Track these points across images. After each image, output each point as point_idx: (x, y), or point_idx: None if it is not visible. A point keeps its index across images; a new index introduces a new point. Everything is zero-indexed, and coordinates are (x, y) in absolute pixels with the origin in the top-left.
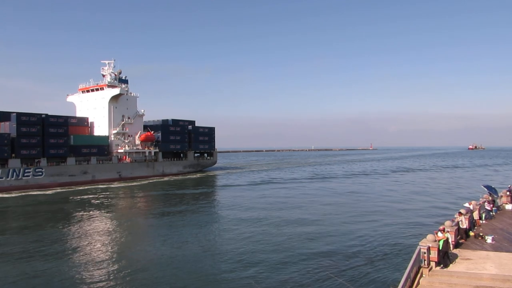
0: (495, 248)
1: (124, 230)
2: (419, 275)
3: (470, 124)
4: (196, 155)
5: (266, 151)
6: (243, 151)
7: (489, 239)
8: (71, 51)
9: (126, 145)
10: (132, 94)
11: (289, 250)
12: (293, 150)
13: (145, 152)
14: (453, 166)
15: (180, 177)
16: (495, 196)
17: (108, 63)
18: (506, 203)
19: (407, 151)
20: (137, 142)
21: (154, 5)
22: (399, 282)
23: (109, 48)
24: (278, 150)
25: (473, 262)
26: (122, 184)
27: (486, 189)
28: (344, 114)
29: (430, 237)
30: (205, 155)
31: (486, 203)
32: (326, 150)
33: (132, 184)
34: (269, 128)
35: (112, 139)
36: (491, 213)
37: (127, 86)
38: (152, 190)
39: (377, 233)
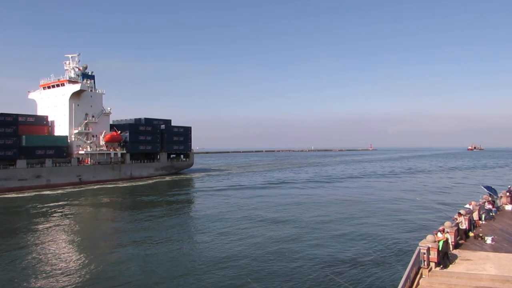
0: (495, 248)
1: (68, 246)
2: (418, 276)
3: (469, 125)
4: (172, 156)
5: (266, 151)
6: (243, 152)
7: (488, 240)
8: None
9: (88, 146)
10: (97, 91)
11: (283, 251)
12: (293, 151)
13: (110, 153)
14: (454, 168)
15: (150, 180)
16: (495, 196)
17: (72, 57)
18: (506, 204)
19: (406, 152)
20: (102, 142)
21: (157, 6)
22: (398, 282)
23: (109, 47)
24: (278, 151)
25: (473, 263)
26: (77, 189)
27: (486, 190)
28: (344, 115)
29: (429, 237)
30: (182, 156)
31: (486, 203)
32: (326, 150)
33: (90, 188)
34: (269, 129)
35: (73, 139)
36: (491, 214)
37: (92, 82)
38: (113, 195)
39: (377, 233)
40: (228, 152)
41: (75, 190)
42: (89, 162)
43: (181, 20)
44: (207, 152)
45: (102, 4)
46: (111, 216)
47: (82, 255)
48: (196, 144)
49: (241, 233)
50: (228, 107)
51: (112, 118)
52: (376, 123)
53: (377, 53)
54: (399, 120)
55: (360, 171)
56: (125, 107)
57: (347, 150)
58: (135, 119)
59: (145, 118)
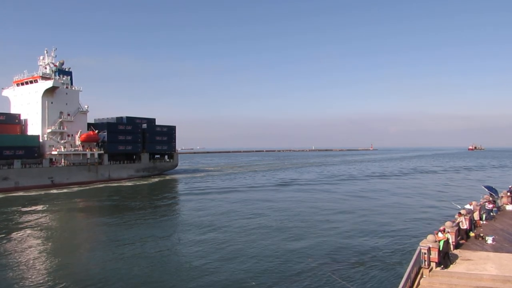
0: (496, 248)
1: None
2: (419, 276)
3: (469, 125)
4: (157, 156)
5: (267, 151)
6: (244, 151)
7: (489, 240)
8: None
9: (62, 146)
10: (73, 88)
11: (283, 252)
12: (293, 151)
13: (86, 154)
14: (460, 167)
15: (129, 182)
16: (496, 196)
17: (47, 51)
18: (507, 204)
19: (407, 152)
20: (78, 142)
21: (156, 6)
22: (399, 282)
23: (110, 46)
24: (279, 150)
25: (474, 263)
26: (49, 192)
27: (486, 190)
28: (344, 115)
29: (430, 237)
30: (166, 157)
31: (486, 203)
32: (326, 150)
33: (64, 191)
34: (269, 129)
35: (46, 139)
36: (491, 214)
37: (68, 79)
38: (86, 198)
39: (377, 233)
40: (228, 152)
41: (46, 192)
42: (62, 163)
43: (181, 20)
44: (207, 152)
45: (101, 3)
46: (77, 222)
47: (48, 265)
48: (197, 144)
49: (223, 238)
50: (228, 107)
51: (99, 117)
52: (376, 123)
53: (377, 53)
54: (400, 120)
55: (362, 171)
56: (125, 107)
57: (348, 150)
58: (116, 117)
59: (127, 117)
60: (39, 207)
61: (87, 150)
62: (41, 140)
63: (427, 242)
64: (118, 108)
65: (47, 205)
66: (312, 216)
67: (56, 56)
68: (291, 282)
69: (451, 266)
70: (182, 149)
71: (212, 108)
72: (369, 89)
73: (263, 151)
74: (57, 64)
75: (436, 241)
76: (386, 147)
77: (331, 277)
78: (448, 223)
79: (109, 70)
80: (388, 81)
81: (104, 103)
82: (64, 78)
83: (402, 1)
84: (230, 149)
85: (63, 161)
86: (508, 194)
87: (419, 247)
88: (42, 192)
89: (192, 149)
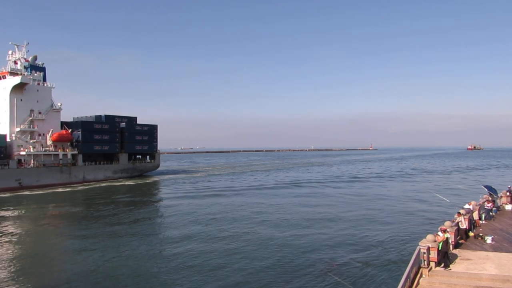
0: (495, 248)
1: None
2: (418, 275)
3: (469, 125)
4: (138, 157)
5: (266, 151)
6: (243, 151)
7: (488, 240)
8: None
9: (31, 146)
10: (46, 84)
11: (279, 250)
12: (293, 150)
13: (58, 154)
14: (459, 167)
15: (104, 184)
16: (495, 196)
17: (18, 46)
18: (506, 204)
19: (406, 152)
20: (49, 142)
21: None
22: (398, 282)
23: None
24: (278, 150)
25: (473, 263)
26: (16, 194)
27: (486, 189)
28: (344, 115)
29: (429, 237)
30: (148, 157)
31: (486, 203)
32: (326, 150)
33: (33, 193)
34: (268, 129)
35: (14, 138)
36: (491, 214)
37: (40, 75)
38: (53, 201)
39: (377, 233)
40: (228, 151)
41: (13, 195)
42: (32, 164)
43: (181, 20)
44: (207, 152)
45: (100, 3)
46: (39, 228)
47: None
48: (196, 144)
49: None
50: (228, 107)
51: (77, 115)
52: (375, 123)
53: (377, 53)
54: (399, 120)
55: (362, 171)
56: (124, 106)
57: (347, 149)
58: (95, 116)
59: (106, 115)
60: (2, 212)
61: (59, 151)
62: (8, 140)
63: (427, 242)
64: (119, 108)
65: (12, 209)
66: (312, 216)
67: (28, 51)
68: (290, 282)
69: (451, 266)
70: (181, 148)
71: (212, 108)
72: (369, 89)
73: (262, 150)
74: (29, 59)
75: (435, 241)
76: (385, 147)
77: (330, 276)
78: (447, 223)
79: (109, 70)
80: (388, 81)
81: (105, 103)
82: (36, 74)
83: (402, 1)
84: (229, 149)
85: (32, 162)
86: (508, 193)
87: (418, 247)
88: (7, 195)
89: (192, 148)
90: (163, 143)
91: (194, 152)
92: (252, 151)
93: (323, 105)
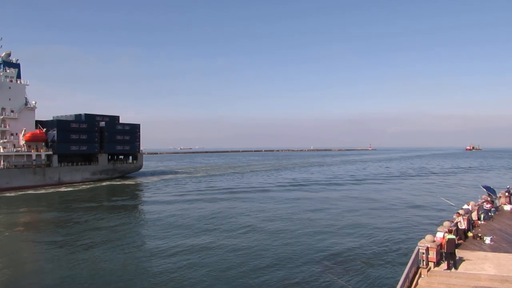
0: (494, 249)
1: None
2: (417, 276)
3: (468, 125)
4: (121, 157)
5: (265, 151)
6: (242, 151)
7: (487, 240)
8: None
9: (2, 147)
10: (19, 82)
11: (279, 252)
12: (292, 150)
13: (31, 155)
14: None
15: (84, 186)
16: (494, 196)
17: None
18: (505, 204)
19: (405, 152)
20: (22, 142)
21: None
22: (397, 282)
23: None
24: (277, 150)
25: (472, 263)
26: None
27: (485, 190)
28: (343, 115)
29: (428, 237)
30: (130, 158)
31: (484, 203)
32: (325, 150)
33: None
34: (268, 129)
35: None
36: (489, 214)
37: (14, 72)
38: (18, 206)
39: (377, 233)
40: (227, 151)
41: None
42: (2, 165)
43: (181, 20)
44: (206, 152)
45: (100, 3)
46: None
47: None
48: (196, 144)
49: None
50: (228, 107)
51: (59, 114)
52: (375, 123)
53: (377, 53)
54: (398, 120)
55: (362, 171)
56: (124, 106)
57: (346, 149)
58: (75, 115)
59: (86, 114)
60: None
61: (32, 151)
62: None
63: (425, 242)
64: (119, 108)
65: None
66: (311, 216)
67: (1, 46)
68: (290, 282)
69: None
70: (181, 148)
71: (212, 108)
72: (369, 89)
73: (261, 151)
74: (2, 55)
75: (434, 241)
76: (385, 147)
77: (330, 276)
78: (446, 223)
79: (109, 69)
80: (388, 81)
81: (105, 103)
82: (9, 71)
83: (402, 1)
84: (228, 149)
85: (2, 163)
86: (506, 194)
87: (417, 247)
88: None
89: (191, 148)
90: (163, 143)
91: (193, 152)
92: (251, 151)
93: (323, 105)
